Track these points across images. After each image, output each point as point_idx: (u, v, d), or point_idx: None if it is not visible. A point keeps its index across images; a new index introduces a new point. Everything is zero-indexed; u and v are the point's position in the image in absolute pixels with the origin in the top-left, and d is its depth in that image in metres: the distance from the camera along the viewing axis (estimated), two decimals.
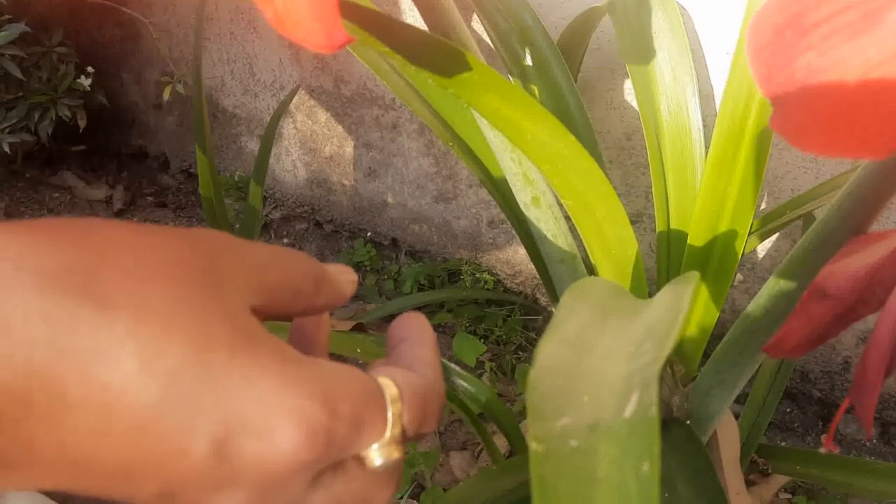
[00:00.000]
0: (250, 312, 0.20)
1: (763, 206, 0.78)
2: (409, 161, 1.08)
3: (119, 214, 1.44)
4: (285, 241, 1.32)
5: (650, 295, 0.39)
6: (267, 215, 1.33)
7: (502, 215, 1.01)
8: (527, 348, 1.01)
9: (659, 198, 0.60)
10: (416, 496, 0.78)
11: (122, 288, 0.17)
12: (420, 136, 1.05)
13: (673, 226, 0.59)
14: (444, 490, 0.79)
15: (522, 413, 0.86)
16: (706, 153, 0.56)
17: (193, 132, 0.93)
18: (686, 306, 0.24)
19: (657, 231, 0.60)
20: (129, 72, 1.48)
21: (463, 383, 0.54)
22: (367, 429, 0.20)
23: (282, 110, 1.03)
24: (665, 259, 0.60)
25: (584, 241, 0.50)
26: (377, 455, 0.20)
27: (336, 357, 0.23)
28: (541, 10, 0.80)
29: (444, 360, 0.49)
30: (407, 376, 0.22)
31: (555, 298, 0.60)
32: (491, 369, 0.96)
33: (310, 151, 1.22)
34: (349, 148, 1.15)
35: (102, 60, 1.45)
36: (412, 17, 0.95)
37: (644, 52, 0.63)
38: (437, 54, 0.37)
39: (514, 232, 0.85)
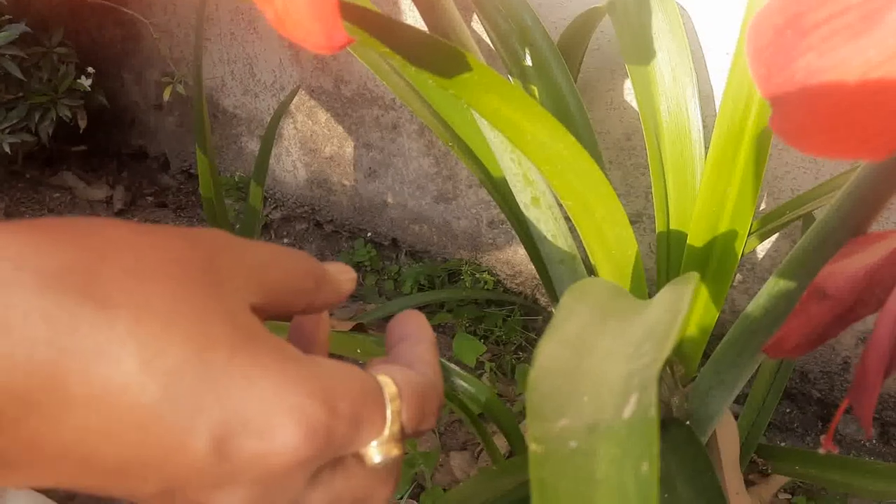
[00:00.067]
0: (250, 311, 0.20)
1: (763, 206, 0.78)
2: (410, 161, 1.08)
3: (119, 215, 1.44)
4: (285, 241, 1.32)
5: (650, 295, 0.39)
6: (267, 215, 1.33)
7: (502, 216, 1.01)
8: (527, 348, 1.01)
9: (659, 198, 0.60)
10: (416, 496, 0.78)
11: (122, 287, 0.17)
12: (420, 137, 1.05)
13: (673, 226, 0.59)
14: (444, 490, 0.79)
15: (522, 413, 0.86)
16: (706, 153, 0.57)
17: (194, 132, 0.93)
18: (685, 307, 0.24)
19: (657, 231, 0.60)
20: (130, 72, 1.48)
21: (463, 383, 0.54)
22: (367, 426, 0.20)
23: (282, 111, 1.03)
24: (665, 259, 0.60)
25: (583, 241, 0.50)
26: (376, 452, 0.21)
27: (336, 357, 0.23)
28: (541, 10, 0.80)
29: (444, 361, 0.49)
30: (406, 374, 0.22)
31: (555, 299, 0.60)
32: (491, 369, 0.96)
33: (310, 152, 1.22)
34: (349, 148, 1.15)
35: (103, 61, 1.45)
36: (412, 17, 0.95)
37: (644, 52, 0.63)
38: (437, 55, 0.37)
39: (513, 232, 0.85)
